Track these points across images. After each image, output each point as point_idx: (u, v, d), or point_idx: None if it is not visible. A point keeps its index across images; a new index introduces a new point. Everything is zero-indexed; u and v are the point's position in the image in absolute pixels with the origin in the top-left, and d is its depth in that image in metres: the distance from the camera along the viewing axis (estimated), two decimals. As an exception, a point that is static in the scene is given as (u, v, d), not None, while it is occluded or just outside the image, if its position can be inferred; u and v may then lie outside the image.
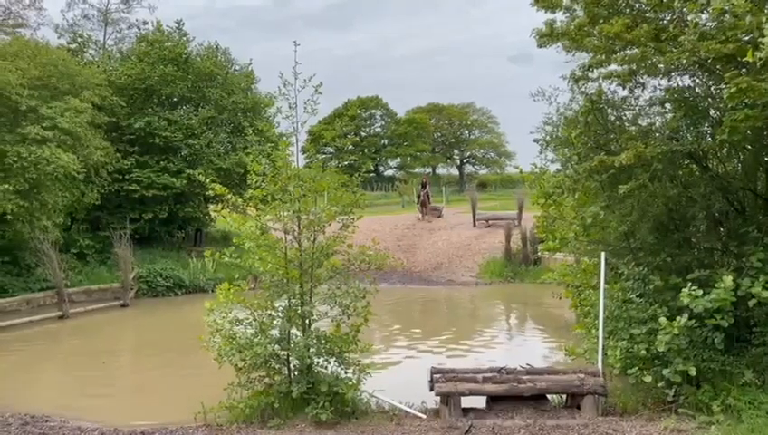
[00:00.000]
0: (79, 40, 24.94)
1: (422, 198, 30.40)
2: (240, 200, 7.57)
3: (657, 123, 7.93)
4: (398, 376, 9.75)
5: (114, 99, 19.99)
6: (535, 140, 8.88)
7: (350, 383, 6.79)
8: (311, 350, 6.82)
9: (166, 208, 21.06)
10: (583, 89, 7.85)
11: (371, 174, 56.18)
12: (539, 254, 20.28)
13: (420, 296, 18.16)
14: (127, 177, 20.19)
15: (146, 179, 20.25)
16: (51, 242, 15.48)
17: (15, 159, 14.64)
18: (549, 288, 13.27)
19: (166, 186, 20.40)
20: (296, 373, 6.91)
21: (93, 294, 16.53)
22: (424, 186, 31.22)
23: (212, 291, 15.63)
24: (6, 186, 14.26)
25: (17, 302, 14.88)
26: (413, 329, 13.62)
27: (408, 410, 6.97)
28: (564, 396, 7.30)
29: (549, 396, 7.25)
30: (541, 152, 8.98)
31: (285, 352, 6.91)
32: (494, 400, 7.07)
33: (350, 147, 58.37)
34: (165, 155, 21.06)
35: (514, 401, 6.99)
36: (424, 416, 6.81)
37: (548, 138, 8.69)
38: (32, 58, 16.86)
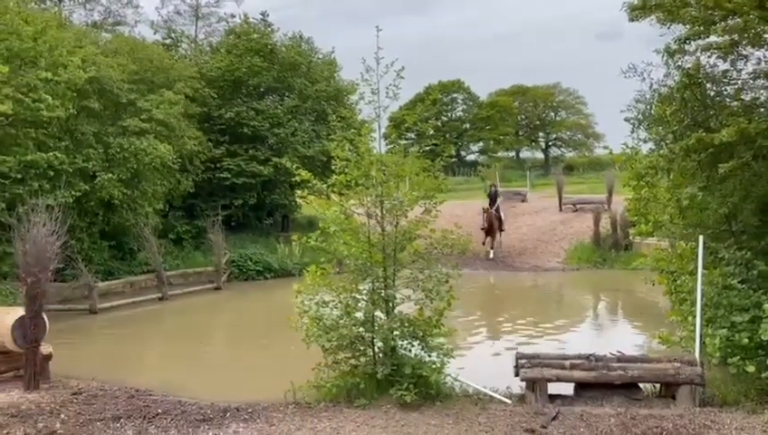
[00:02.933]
0: (172, 35, 26.17)
1: (488, 217, 20.18)
2: (324, 186, 7.72)
3: (762, 98, 7.37)
4: (481, 361, 9.69)
5: (205, 90, 20.88)
6: (626, 119, 8.48)
7: (434, 367, 6.81)
8: (394, 332, 6.89)
9: (255, 195, 21.87)
10: (679, 63, 7.41)
11: (453, 159, 55.76)
12: (630, 238, 19.46)
13: (504, 282, 17.90)
14: (218, 165, 21.08)
15: (236, 168, 21.07)
16: (151, 228, 16.45)
17: (118, 150, 15.64)
18: (641, 274, 12.68)
19: (254, 174, 21.15)
20: (380, 355, 7.01)
21: (189, 278, 17.42)
22: (493, 199, 21.02)
23: (299, 275, 16.11)
24: (111, 175, 15.27)
25: (122, 284, 15.91)
26: (496, 315, 13.46)
27: (493, 394, 6.92)
28: (658, 385, 7.00)
29: (641, 385, 6.98)
30: (632, 132, 8.58)
31: (370, 335, 7.01)
32: (582, 387, 6.89)
33: (432, 132, 58.13)
34: (253, 144, 21.80)
35: (604, 388, 6.77)
36: (509, 401, 6.74)
37: (640, 116, 8.27)
38: (130, 54, 17.88)
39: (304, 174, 7.41)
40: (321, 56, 24.92)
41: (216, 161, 21.02)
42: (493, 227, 19.90)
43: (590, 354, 6.89)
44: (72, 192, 14.06)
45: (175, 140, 17.63)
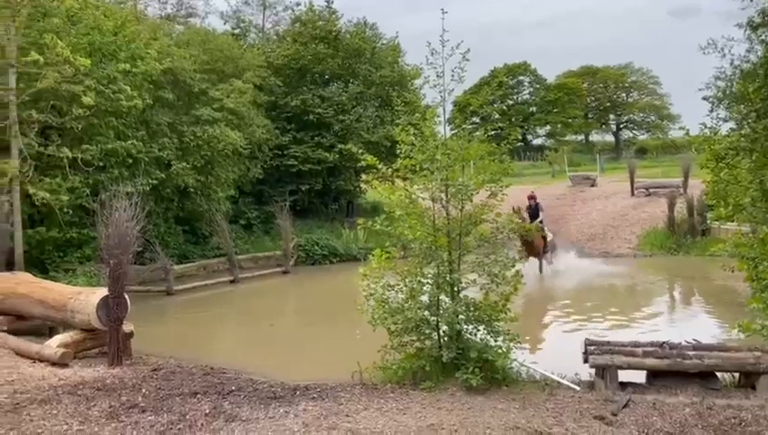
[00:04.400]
0: (241, 25, 26.80)
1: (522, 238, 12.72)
2: (389, 171, 7.76)
3: None
4: (548, 347, 9.56)
5: (272, 79, 21.32)
6: (705, 98, 8.06)
7: (500, 351, 6.77)
8: (459, 316, 6.89)
9: (320, 181, 22.24)
10: (763, 37, 6.98)
11: (519, 143, 54.69)
12: (707, 223, 18.61)
13: (572, 268, 17.50)
14: (285, 152, 21.53)
15: (302, 154, 21.47)
16: (222, 214, 17.04)
17: (191, 138, 16.23)
18: (719, 261, 12.08)
19: (320, 160, 21.50)
20: (446, 339, 7.02)
21: (259, 261, 17.94)
22: (535, 214, 16.33)
23: (364, 259, 16.33)
24: (185, 163, 15.88)
25: (195, 267, 16.56)
26: (564, 300, 13.20)
27: (561, 380, 6.81)
28: (737, 375, 6.71)
29: (719, 375, 6.71)
30: (711, 111, 8.13)
31: (435, 318, 7.04)
32: (654, 375, 6.69)
33: (497, 115, 57.17)
34: (318, 131, 22.13)
35: (678, 377, 6.55)
36: (577, 388, 6.62)
37: (720, 94, 7.85)
38: (201, 45, 18.46)
39: (369, 159, 7.47)
40: (384, 42, 24.93)
41: (283, 148, 21.47)
42: (534, 246, 14.89)
43: (664, 342, 6.67)
44: (150, 180, 14.71)
45: (244, 128, 18.14)
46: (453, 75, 7.41)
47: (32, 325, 9.48)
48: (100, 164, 13.70)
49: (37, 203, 12.23)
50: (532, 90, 64.61)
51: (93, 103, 12.31)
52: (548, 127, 63.48)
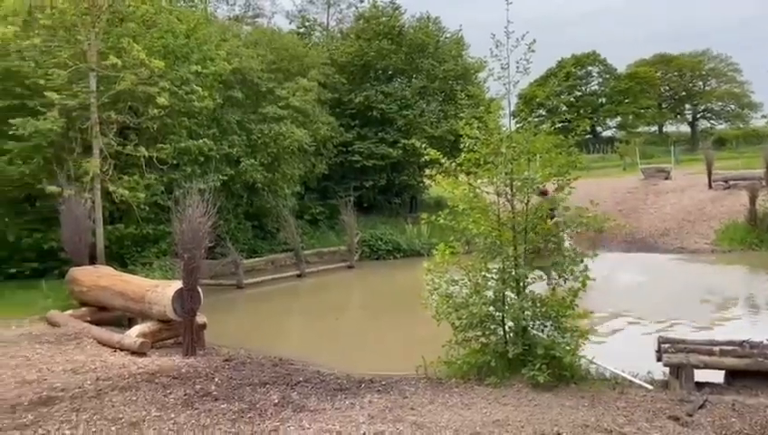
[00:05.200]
0: (306, 24, 27.27)
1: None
2: (453, 165, 7.72)
3: None
4: (618, 345, 9.26)
5: (336, 76, 21.58)
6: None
7: (568, 348, 6.63)
8: (525, 312, 6.79)
9: (384, 177, 22.36)
10: None
11: (588, 135, 53.16)
12: (793, 217, 17.56)
13: (644, 264, 16.90)
14: (349, 148, 21.76)
15: (366, 150, 21.64)
16: (289, 209, 17.43)
17: (259, 135, 16.68)
18: (806, 256, 11.43)
19: (384, 156, 21.61)
20: (511, 335, 6.94)
21: (324, 256, 18.23)
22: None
23: (427, 254, 16.28)
24: (253, 160, 16.34)
25: (264, 262, 17.00)
26: (635, 297, 12.76)
27: (633, 379, 6.60)
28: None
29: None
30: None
31: (500, 314, 6.97)
32: (733, 375, 6.38)
33: (564, 107, 55.68)
34: (382, 127, 22.25)
35: (759, 377, 6.22)
36: (650, 387, 6.40)
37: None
38: (268, 45, 18.92)
39: (433, 153, 7.45)
40: (448, 36, 24.76)
41: (347, 145, 21.72)
42: None
43: (744, 341, 6.35)
44: (220, 176, 15.22)
45: (310, 126, 18.47)
46: (518, 67, 7.30)
47: (113, 316, 10.02)
48: (174, 162, 14.27)
49: (116, 200, 12.86)
50: (601, 80, 62.55)
51: (167, 104, 12.82)
52: (618, 118, 61.26)
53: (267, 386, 6.48)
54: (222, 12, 25.62)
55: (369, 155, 21.66)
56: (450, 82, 23.46)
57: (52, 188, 11.74)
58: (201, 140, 14.54)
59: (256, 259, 16.81)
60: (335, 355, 8.92)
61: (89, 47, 12.19)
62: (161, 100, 12.56)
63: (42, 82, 12.05)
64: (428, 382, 6.69)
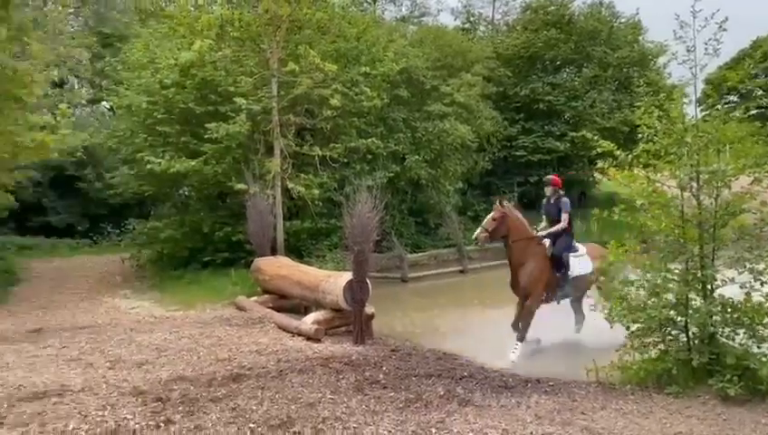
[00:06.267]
0: (471, 19, 27.18)
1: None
2: (629, 157, 7.23)
3: None
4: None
5: (501, 70, 21.28)
6: None
7: (765, 359, 5.92)
8: (713, 318, 6.18)
9: (550, 172, 21.61)
10: None
11: (789, 122, 46.86)
12: None
13: None
14: (513, 143, 21.38)
15: (531, 145, 21.11)
16: (452, 205, 17.54)
17: (423, 133, 16.99)
18: None
19: (550, 150, 20.93)
20: (696, 342, 6.36)
21: (487, 252, 18.00)
22: (554, 212, 8.96)
23: (598, 253, 15.47)
24: (417, 157, 16.69)
25: (427, 257, 17.27)
26: None
27: None
28: None
29: None
30: None
31: (683, 319, 6.41)
32: None
33: (760, 91, 49.51)
34: (548, 119, 21.55)
35: None
36: None
37: None
38: (433, 42, 19.17)
39: (606, 145, 7.05)
40: (622, 21, 23.26)
41: (511, 139, 21.36)
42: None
43: None
44: (386, 173, 15.74)
45: (473, 121, 18.44)
46: (706, 48, 6.65)
47: (291, 303, 10.80)
48: (345, 160, 15.01)
49: (294, 197, 13.85)
50: (806, 59, 54.79)
51: (339, 105, 13.51)
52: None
53: (432, 378, 6.59)
54: (389, 13, 26.44)
55: (535, 149, 21.09)
56: (625, 69, 22.07)
57: (241, 186, 12.92)
58: (369, 139, 15.13)
59: (420, 254, 17.11)
60: (498, 352, 8.80)
61: (271, 55, 13.24)
62: (334, 101, 13.25)
63: (231, 89, 13.31)
64: (600, 387, 6.36)
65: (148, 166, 13.21)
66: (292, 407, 5.50)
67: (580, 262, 8.74)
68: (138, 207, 20.03)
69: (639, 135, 7.00)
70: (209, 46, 12.93)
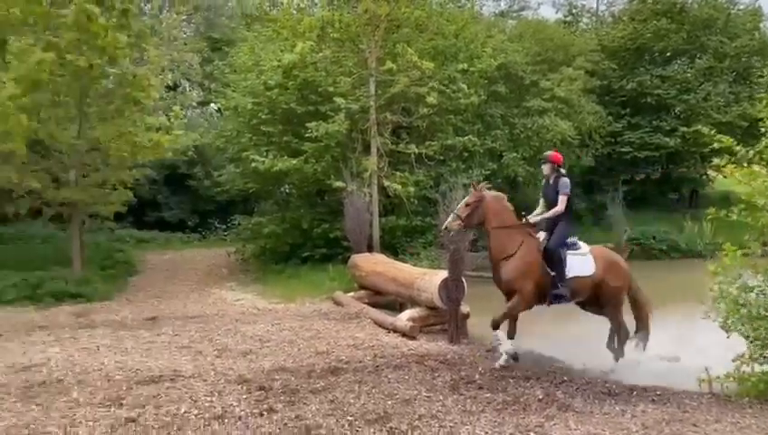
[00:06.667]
0: (573, 11, 26.27)
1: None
2: (751, 153, 6.69)
3: None
4: None
5: (605, 63, 20.42)
6: None
7: None
8: None
9: (658, 169, 20.56)
10: None
11: None
12: None
13: None
14: (618, 139, 20.45)
15: (638, 140, 20.11)
16: (551, 204, 17.03)
17: (522, 129, 16.62)
18: None
19: (658, 146, 19.85)
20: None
21: (590, 253, 17.40)
22: (551, 194, 7.52)
23: (710, 256, 14.50)
24: (515, 154, 16.35)
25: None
26: None
27: None
28: None
29: None
30: None
31: (811, 329, 5.87)
32: None
33: None
34: (657, 114, 20.45)
35: None
36: None
37: None
38: (533, 36, 18.71)
39: (725, 140, 6.57)
40: (741, 7, 21.65)
41: (615, 135, 20.45)
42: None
43: None
44: (483, 171, 15.53)
45: (574, 117, 17.82)
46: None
47: (386, 300, 10.91)
48: (441, 158, 14.97)
49: (390, 195, 13.98)
50: None
51: (436, 103, 13.49)
52: None
53: (530, 381, 6.43)
54: (488, 8, 26.07)
55: (642, 145, 20.06)
56: (744, 59, 20.54)
57: (338, 184, 13.22)
58: (466, 137, 14.99)
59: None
60: (600, 358, 8.44)
61: (369, 54, 13.43)
62: (431, 99, 13.25)
63: (331, 89, 13.65)
64: (714, 399, 5.95)
65: (253, 164, 13.79)
66: (389, 402, 5.55)
67: (582, 262, 7.34)
68: (242, 203, 21.00)
69: (762, 129, 6.48)
70: (310, 48, 13.31)
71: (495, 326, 7.29)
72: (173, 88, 21.62)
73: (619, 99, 21.04)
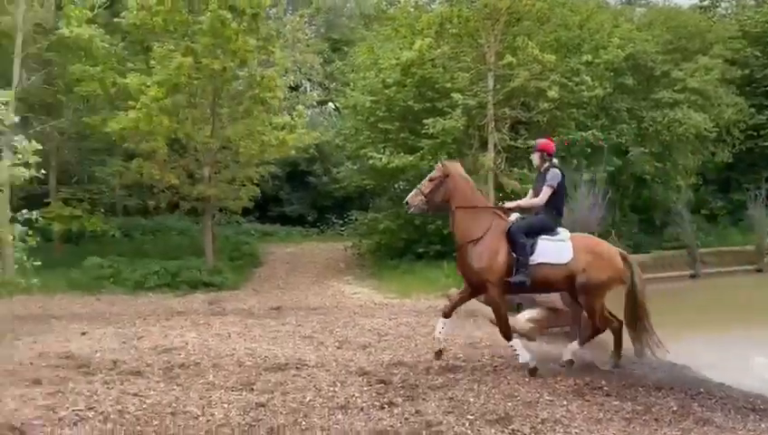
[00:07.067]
0: (714, -5, 24.35)
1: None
2: None
3: None
4: None
5: (748, 50, 18.78)
6: None
7: None
8: None
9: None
10: None
11: None
12: None
13: None
14: (761, 133, 18.73)
15: (789, 135, 18.32)
16: (683, 203, 15.94)
17: (650, 123, 15.66)
18: None
19: (809, 140, 17.95)
20: None
21: (725, 257, 16.12)
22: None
23: None
24: (642, 149, 15.45)
25: (650, 259, 15.88)
26: None
27: None
28: None
29: None
30: None
31: None
32: None
33: None
34: (808, 105, 18.49)
35: None
36: None
37: None
38: (663, 24, 17.58)
39: None
40: None
41: (758, 129, 18.75)
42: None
43: None
44: (607, 167, 14.81)
45: (710, 109, 16.55)
46: None
47: (503, 299, 10.68)
48: (562, 154, 14.43)
49: (507, 191, 13.69)
50: None
51: (557, 97, 13.04)
52: None
53: (663, 391, 6.03)
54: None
55: (789, 140, 18.24)
56: None
57: (454, 181, 13.13)
58: (590, 132, 14.37)
59: (641, 255, 15.80)
60: (738, 369, 7.77)
61: (488, 49, 13.23)
62: (552, 93, 12.84)
63: (448, 85, 13.59)
64: None
65: (371, 161, 14.05)
66: (509, 404, 5.44)
67: (557, 248, 6.52)
68: (359, 199, 21.48)
69: None
70: (429, 45, 13.32)
71: (507, 338, 6.73)
72: (295, 88, 22.51)
73: (763, 89, 19.27)
